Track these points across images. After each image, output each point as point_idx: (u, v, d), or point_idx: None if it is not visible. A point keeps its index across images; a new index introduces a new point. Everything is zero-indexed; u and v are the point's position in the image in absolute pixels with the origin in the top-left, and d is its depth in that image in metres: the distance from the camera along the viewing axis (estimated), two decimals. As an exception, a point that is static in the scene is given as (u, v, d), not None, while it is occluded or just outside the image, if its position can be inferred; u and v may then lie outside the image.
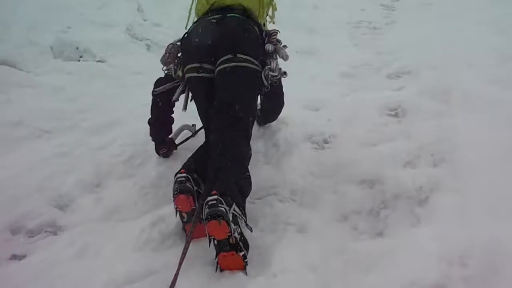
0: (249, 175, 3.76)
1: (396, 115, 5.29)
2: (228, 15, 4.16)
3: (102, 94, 5.95)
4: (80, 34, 7.08)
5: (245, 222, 3.46)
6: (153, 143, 4.75)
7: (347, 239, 3.61)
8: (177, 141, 4.87)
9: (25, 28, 6.74)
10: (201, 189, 3.64)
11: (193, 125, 5.02)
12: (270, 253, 3.45)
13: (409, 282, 2.92)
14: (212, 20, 4.13)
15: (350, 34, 9.10)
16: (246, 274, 3.27)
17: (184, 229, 3.71)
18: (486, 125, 4.55)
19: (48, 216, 4.02)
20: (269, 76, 4.09)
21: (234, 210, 3.31)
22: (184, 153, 4.13)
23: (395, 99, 5.55)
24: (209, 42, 4.03)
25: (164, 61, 4.42)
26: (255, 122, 4.74)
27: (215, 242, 3.30)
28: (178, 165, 3.95)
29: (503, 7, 8.31)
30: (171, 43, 4.43)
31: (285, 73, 4.26)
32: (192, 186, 3.57)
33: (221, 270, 3.32)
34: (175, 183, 3.58)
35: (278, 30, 4.35)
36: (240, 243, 3.29)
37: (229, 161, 3.63)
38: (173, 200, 3.56)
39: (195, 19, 4.44)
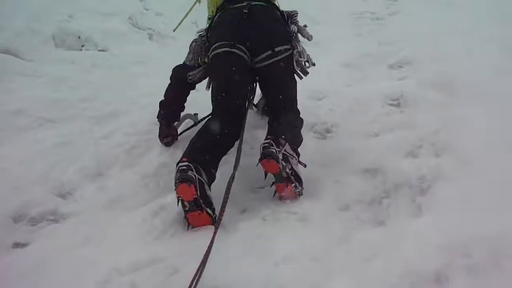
0: (300, 132, 4.35)
1: (398, 105, 5.32)
2: (253, 3, 4.43)
3: (104, 83, 5.93)
4: (82, 23, 7.05)
5: (298, 160, 4.07)
6: (157, 131, 4.82)
7: (349, 228, 3.60)
8: (179, 130, 4.87)
9: (27, 17, 6.70)
10: (203, 178, 3.70)
11: (195, 114, 5.02)
12: (272, 242, 3.44)
13: (410, 271, 2.93)
14: (244, 10, 4.36)
15: (353, 25, 9.11)
16: (298, 197, 3.97)
17: (186, 217, 3.70)
18: (488, 115, 4.56)
19: (51, 205, 4.00)
20: (300, 62, 4.47)
21: (285, 150, 3.91)
22: (186, 143, 4.12)
23: (397, 89, 5.58)
24: (244, 33, 4.30)
25: (190, 60, 4.71)
26: (257, 111, 5.07)
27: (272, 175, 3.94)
28: (179, 155, 4.00)
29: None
30: (194, 40, 4.68)
31: (313, 63, 4.62)
32: (194, 175, 3.61)
33: (280, 198, 4.01)
34: (177, 171, 3.64)
35: (297, 11, 4.65)
36: (292, 176, 3.91)
37: (283, 121, 4.24)
38: (175, 189, 3.61)
39: (213, 10, 4.77)
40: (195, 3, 8.01)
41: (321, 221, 3.70)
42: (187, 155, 3.83)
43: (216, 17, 4.56)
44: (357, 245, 3.33)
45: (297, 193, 3.97)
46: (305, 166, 4.10)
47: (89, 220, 3.87)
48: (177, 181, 3.58)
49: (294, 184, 3.93)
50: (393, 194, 3.90)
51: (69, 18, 7.10)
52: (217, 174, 3.98)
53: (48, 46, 6.52)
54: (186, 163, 3.66)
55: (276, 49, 4.29)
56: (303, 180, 4.04)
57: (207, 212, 3.66)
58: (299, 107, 4.45)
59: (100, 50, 6.77)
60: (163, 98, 4.82)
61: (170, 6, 8.53)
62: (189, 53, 4.69)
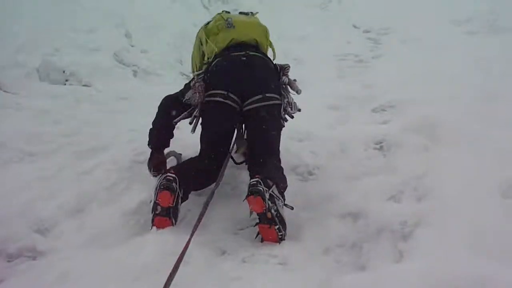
0: (285, 177, 4.37)
1: (381, 149, 5.34)
2: (251, 53, 4.68)
3: (87, 118, 5.91)
4: (67, 57, 7.05)
5: (283, 203, 4.05)
6: (138, 168, 4.88)
7: (330, 272, 3.58)
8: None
9: (13, 49, 6.71)
10: (181, 193, 4.12)
11: (180, 154, 5.00)
12: (251, 285, 3.42)
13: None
14: (243, 58, 4.61)
15: (337, 67, 9.15)
16: (279, 243, 3.94)
17: (153, 219, 4.06)
18: (470, 161, 4.61)
19: (28, 241, 3.96)
20: (287, 110, 4.68)
21: (272, 191, 3.93)
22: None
23: (380, 133, 5.60)
24: (239, 79, 4.51)
25: (189, 96, 4.64)
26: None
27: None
28: (160, 194, 4.02)
29: (489, 45, 8.40)
30: (195, 81, 4.61)
31: (299, 110, 4.80)
32: (176, 188, 4.05)
33: (261, 241, 4.01)
34: (163, 179, 4.07)
35: (289, 65, 4.87)
36: (276, 218, 3.91)
37: (269, 164, 4.33)
38: (156, 193, 4.05)
39: (212, 55, 4.84)
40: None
41: (301, 265, 3.68)
42: (175, 170, 4.21)
43: (214, 62, 4.71)
44: (337, 290, 3.30)
45: (280, 237, 3.96)
46: (292, 208, 4.10)
47: (67, 257, 3.80)
48: (162, 187, 4.01)
49: (278, 227, 3.92)
50: (374, 238, 3.87)
51: (54, 52, 7.12)
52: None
53: (32, 79, 6.54)
54: (173, 176, 4.07)
55: (267, 95, 4.50)
56: (286, 225, 4.04)
57: (171, 221, 4.06)
58: (281, 147, 4.51)
59: (84, 85, 6.78)
60: (151, 127, 4.79)
61: (155, 43, 8.55)
62: (194, 92, 4.62)
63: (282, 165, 4.47)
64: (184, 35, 9.14)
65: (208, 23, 5.03)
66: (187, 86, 4.73)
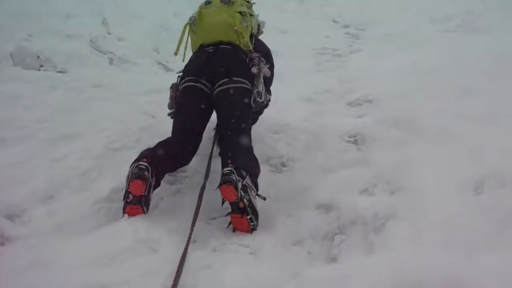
0: (257, 160, 4.44)
1: (355, 142, 5.36)
2: (221, 46, 4.91)
3: (60, 105, 5.81)
4: (43, 43, 6.92)
5: (256, 193, 4.09)
6: (111, 156, 5.02)
7: (301, 263, 3.61)
8: None
9: (-15, 34, 6.61)
10: (153, 182, 4.11)
11: None
12: (223, 274, 3.41)
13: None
14: (209, 50, 4.88)
15: (315, 60, 9.12)
16: (251, 233, 3.97)
17: (124, 207, 4.05)
18: (444, 156, 4.63)
19: (-3, 226, 3.89)
20: (256, 100, 4.73)
21: (246, 182, 3.96)
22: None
23: (355, 126, 5.62)
24: (207, 67, 4.77)
25: (169, 105, 5.02)
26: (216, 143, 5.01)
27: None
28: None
29: (465, 43, 8.45)
30: (171, 88, 5.03)
31: (269, 101, 5.06)
32: (149, 177, 4.03)
33: (233, 230, 4.03)
34: (135, 167, 4.04)
35: (258, 55, 4.97)
36: (249, 208, 3.94)
37: (240, 149, 4.37)
38: (127, 181, 4.01)
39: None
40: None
41: (273, 255, 3.69)
42: (148, 157, 4.17)
43: (190, 58, 5.09)
44: (307, 281, 3.31)
45: (252, 226, 3.98)
46: (264, 199, 4.13)
47: (36, 244, 3.77)
48: (134, 175, 3.98)
49: (250, 216, 3.95)
50: (346, 230, 3.90)
51: (29, 37, 6.98)
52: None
53: (5, 64, 6.41)
54: (146, 164, 4.04)
55: (234, 79, 4.69)
56: (259, 215, 4.06)
57: (143, 209, 4.06)
58: (255, 140, 4.59)
59: (59, 72, 6.64)
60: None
61: (133, 32, 8.43)
62: (170, 99, 5.01)
63: (256, 156, 4.46)
64: (162, 24, 9.09)
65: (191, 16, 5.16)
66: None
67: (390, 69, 7.47)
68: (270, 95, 5.21)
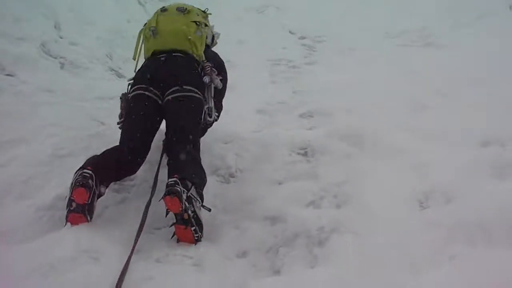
0: (204, 171, 4.40)
1: (305, 154, 5.37)
2: (174, 54, 4.88)
3: (7, 109, 5.66)
4: (-10, 45, 6.82)
5: (201, 204, 4.08)
6: (57, 163, 4.86)
7: (245, 275, 3.61)
8: None
9: None
10: (97, 190, 4.06)
11: None
12: (165, 285, 3.40)
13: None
14: (161, 58, 4.84)
15: (269, 71, 9.13)
16: (195, 245, 3.91)
17: (67, 216, 3.97)
18: (390, 171, 4.69)
19: None
20: (207, 119, 4.87)
21: (191, 193, 3.94)
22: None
23: (306, 138, 5.64)
24: (158, 75, 4.73)
25: (120, 116, 4.92)
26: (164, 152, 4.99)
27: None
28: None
29: (419, 58, 8.56)
30: (120, 98, 4.97)
31: (218, 116, 5.17)
32: (93, 185, 3.97)
33: (178, 241, 3.98)
34: (79, 175, 3.98)
35: (210, 64, 5.00)
36: (193, 219, 3.91)
37: (187, 159, 4.32)
38: (71, 189, 3.94)
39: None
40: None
41: (216, 267, 3.68)
42: (93, 165, 4.10)
43: (141, 65, 5.02)
44: (251, 293, 3.30)
45: (196, 238, 3.95)
46: (209, 210, 4.11)
47: (-25, 252, 3.67)
48: (78, 183, 3.91)
49: (194, 228, 3.91)
50: (291, 243, 3.91)
51: (-24, 40, 6.84)
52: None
53: (-51, 66, 6.27)
54: (90, 172, 3.99)
55: (184, 87, 4.66)
56: (203, 226, 4.03)
57: (87, 218, 3.97)
58: (204, 150, 4.59)
59: (7, 75, 6.50)
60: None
61: (86, 37, 8.31)
62: (120, 109, 4.94)
63: (204, 166, 4.44)
64: (116, 31, 8.98)
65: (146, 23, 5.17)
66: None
67: (344, 82, 7.50)
68: (222, 108, 5.26)
